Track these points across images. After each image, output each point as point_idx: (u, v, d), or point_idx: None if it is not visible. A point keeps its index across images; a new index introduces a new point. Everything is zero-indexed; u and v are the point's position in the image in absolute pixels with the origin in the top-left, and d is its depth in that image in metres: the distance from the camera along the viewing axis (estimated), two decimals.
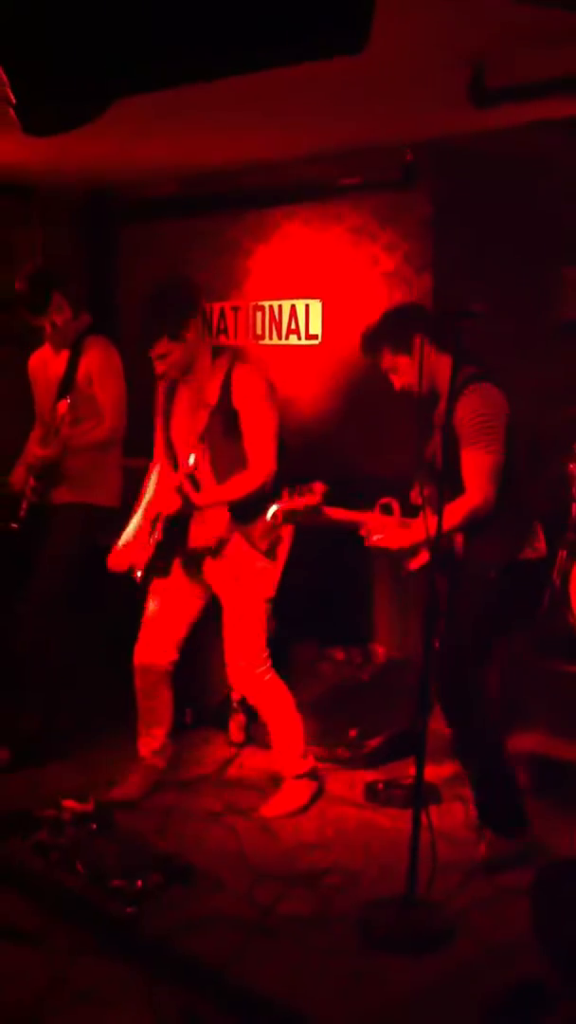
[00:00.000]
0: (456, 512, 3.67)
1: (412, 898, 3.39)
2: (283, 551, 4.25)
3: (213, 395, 4.10)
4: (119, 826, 3.99)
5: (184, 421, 4.22)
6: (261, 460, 4.07)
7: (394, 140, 4.96)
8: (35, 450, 4.75)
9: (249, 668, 4.23)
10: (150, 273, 6.38)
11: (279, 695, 4.29)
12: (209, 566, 4.23)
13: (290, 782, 4.30)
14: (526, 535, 3.80)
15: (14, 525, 4.73)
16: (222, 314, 6.01)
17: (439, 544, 3.51)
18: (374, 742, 4.79)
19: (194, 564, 4.24)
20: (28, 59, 2.48)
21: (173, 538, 4.18)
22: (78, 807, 4.10)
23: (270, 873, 3.74)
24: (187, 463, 4.00)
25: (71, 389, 4.67)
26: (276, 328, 5.76)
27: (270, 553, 4.18)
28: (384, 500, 3.88)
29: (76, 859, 3.68)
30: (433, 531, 3.50)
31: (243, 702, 5.05)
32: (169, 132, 4.80)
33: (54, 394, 4.75)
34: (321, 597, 5.49)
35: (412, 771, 3.49)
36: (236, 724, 5.02)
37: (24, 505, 4.75)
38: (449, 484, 3.72)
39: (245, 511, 4.10)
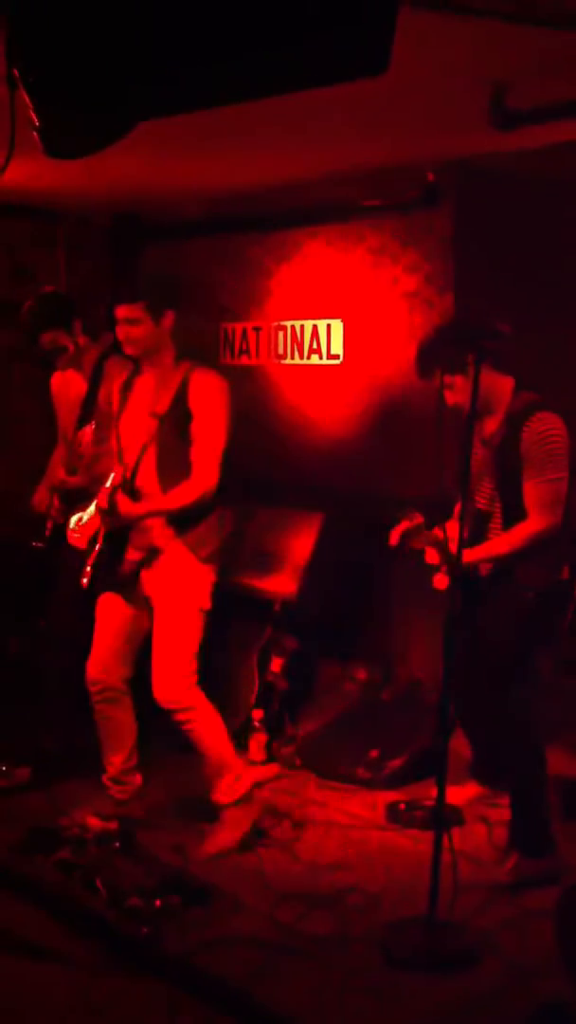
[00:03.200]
0: (517, 536, 3.73)
1: (434, 919, 3.37)
2: (214, 566, 4.14)
3: (167, 398, 4.03)
4: (141, 845, 3.99)
5: (134, 423, 4.13)
6: (204, 470, 3.99)
7: (416, 161, 4.98)
8: (60, 475, 4.77)
9: (178, 679, 4.03)
10: (173, 295, 6.44)
11: (208, 711, 4.10)
12: (146, 573, 4.13)
13: (229, 811, 4.10)
14: (566, 558, 3.82)
15: (39, 544, 4.76)
16: (244, 334, 6.04)
17: (459, 561, 3.52)
18: (395, 762, 4.77)
19: (134, 575, 4.14)
20: (51, 82, 2.51)
21: (115, 547, 4.11)
22: (101, 825, 4.11)
23: (291, 893, 3.73)
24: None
25: (93, 411, 4.69)
26: (298, 348, 5.78)
27: (210, 558, 4.09)
28: (406, 523, 3.91)
29: (96, 877, 3.68)
30: (482, 551, 3.62)
31: (264, 721, 5.06)
32: (192, 155, 4.83)
33: (76, 415, 4.77)
34: (345, 616, 5.50)
35: (434, 792, 3.48)
36: (256, 743, 5.01)
37: (49, 525, 4.77)
38: (503, 502, 3.78)
39: (186, 517, 4.03)
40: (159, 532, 4.07)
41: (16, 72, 2.53)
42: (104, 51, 2.44)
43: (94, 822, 4.13)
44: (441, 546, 3.89)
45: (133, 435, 4.11)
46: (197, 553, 4.07)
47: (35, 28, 2.49)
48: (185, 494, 4.00)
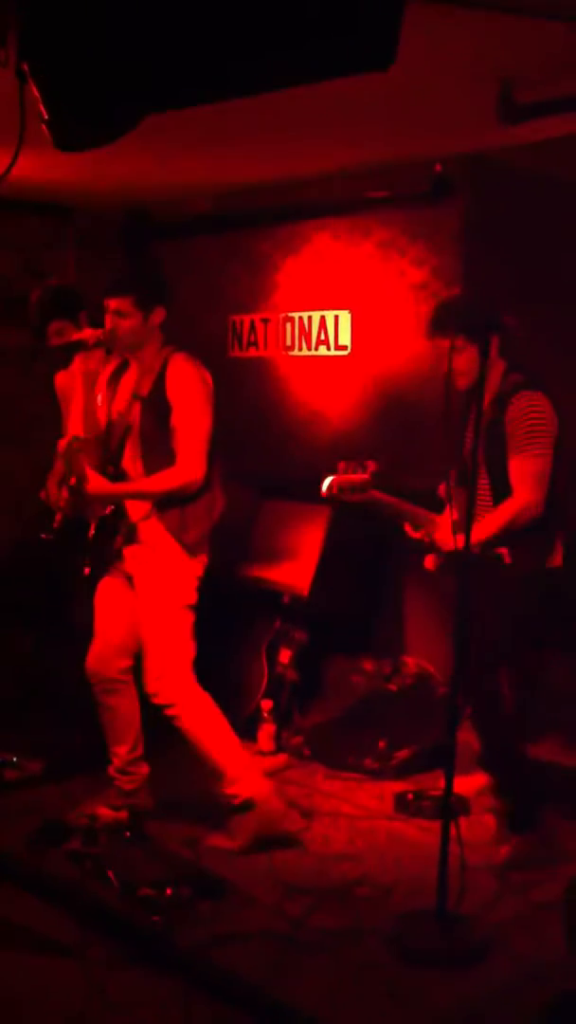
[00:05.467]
0: (502, 514, 3.77)
1: (443, 911, 3.38)
2: (202, 558, 4.11)
3: (149, 381, 4.04)
4: (151, 836, 4.02)
5: (120, 407, 4.14)
6: (189, 459, 3.96)
7: (423, 155, 4.97)
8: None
9: (165, 674, 4.00)
10: (183, 289, 6.45)
11: (200, 710, 4.02)
12: (131, 557, 4.10)
13: (234, 816, 4.01)
14: (553, 545, 3.84)
15: (47, 536, 4.76)
16: (252, 326, 6.05)
17: (467, 546, 3.52)
18: (403, 753, 4.79)
19: (119, 552, 4.12)
20: (60, 75, 2.52)
21: (108, 530, 4.11)
22: (111, 815, 4.13)
23: (300, 886, 3.74)
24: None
25: None
26: (306, 339, 5.79)
27: (193, 548, 4.04)
28: (346, 475, 3.87)
29: (108, 868, 3.69)
30: (463, 530, 3.54)
31: (273, 712, 5.08)
32: (200, 150, 4.84)
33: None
34: (353, 608, 5.51)
35: (441, 782, 3.50)
36: (265, 734, 5.03)
37: (58, 517, 4.77)
38: (489, 483, 3.83)
39: (171, 502, 4.01)
40: (137, 511, 4.05)
41: (25, 66, 2.54)
42: (112, 44, 2.45)
43: (104, 812, 4.15)
44: (411, 519, 3.89)
45: (119, 418, 4.13)
46: (180, 537, 4.02)
47: (45, 22, 2.50)
48: (166, 480, 3.98)
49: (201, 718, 4.02)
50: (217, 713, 4.05)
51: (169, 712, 4.01)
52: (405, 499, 3.94)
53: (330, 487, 3.79)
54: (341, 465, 3.81)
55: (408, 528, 3.98)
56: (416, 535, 3.98)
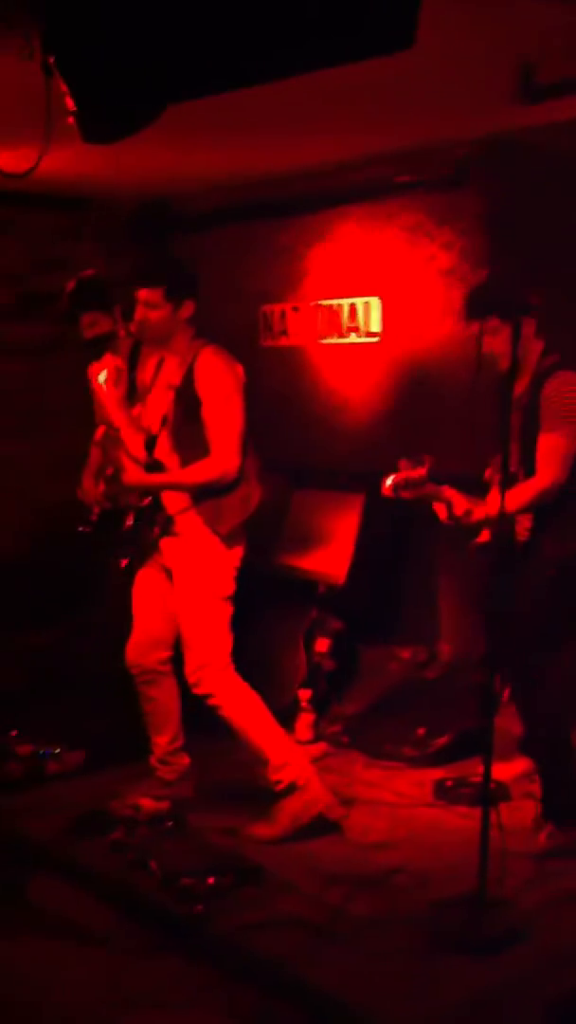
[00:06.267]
0: (523, 493, 3.75)
1: (481, 899, 3.36)
2: (239, 550, 4.12)
3: (182, 372, 4.06)
4: (192, 826, 4.04)
5: (158, 397, 4.17)
6: (222, 451, 3.97)
7: (447, 138, 4.94)
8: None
9: (205, 665, 4.03)
10: (210, 279, 6.45)
11: (241, 699, 4.05)
12: (168, 549, 4.13)
13: (279, 801, 4.02)
14: None
15: (86, 529, 4.78)
16: (283, 315, 6.04)
17: (503, 525, 3.49)
18: (442, 740, 4.78)
19: (156, 543, 4.15)
20: (87, 68, 2.53)
21: (145, 522, 4.14)
22: (153, 806, 4.15)
23: (339, 873, 3.74)
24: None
25: (134, 396, 4.70)
26: (336, 327, 5.77)
27: (228, 539, 4.05)
28: (405, 473, 3.86)
29: (151, 858, 3.71)
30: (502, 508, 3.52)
31: (312, 700, 5.08)
32: (223, 140, 4.83)
33: None
34: (388, 596, 5.50)
35: (481, 769, 3.48)
36: (304, 723, 5.04)
37: (96, 510, 4.80)
38: (526, 465, 3.81)
39: (207, 494, 4.02)
40: (175, 503, 4.08)
41: (51, 60, 2.56)
42: (137, 34, 2.46)
43: (146, 803, 4.17)
44: (447, 503, 3.85)
45: (156, 409, 4.16)
46: (215, 528, 4.03)
47: (70, 16, 2.52)
48: (200, 472, 4.00)
49: (242, 706, 4.05)
50: (257, 701, 4.08)
51: (211, 702, 4.04)
52: (450, 485, 3.90)
53: (392, 486, 3.80)
54: (402, 463, 3.80)
55: (444, 513, 3.93)
56: (450, 522, 3.94)
